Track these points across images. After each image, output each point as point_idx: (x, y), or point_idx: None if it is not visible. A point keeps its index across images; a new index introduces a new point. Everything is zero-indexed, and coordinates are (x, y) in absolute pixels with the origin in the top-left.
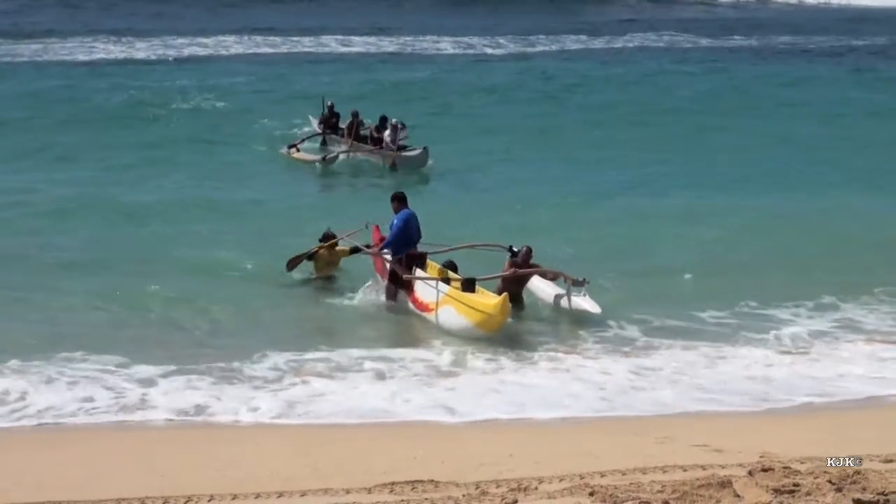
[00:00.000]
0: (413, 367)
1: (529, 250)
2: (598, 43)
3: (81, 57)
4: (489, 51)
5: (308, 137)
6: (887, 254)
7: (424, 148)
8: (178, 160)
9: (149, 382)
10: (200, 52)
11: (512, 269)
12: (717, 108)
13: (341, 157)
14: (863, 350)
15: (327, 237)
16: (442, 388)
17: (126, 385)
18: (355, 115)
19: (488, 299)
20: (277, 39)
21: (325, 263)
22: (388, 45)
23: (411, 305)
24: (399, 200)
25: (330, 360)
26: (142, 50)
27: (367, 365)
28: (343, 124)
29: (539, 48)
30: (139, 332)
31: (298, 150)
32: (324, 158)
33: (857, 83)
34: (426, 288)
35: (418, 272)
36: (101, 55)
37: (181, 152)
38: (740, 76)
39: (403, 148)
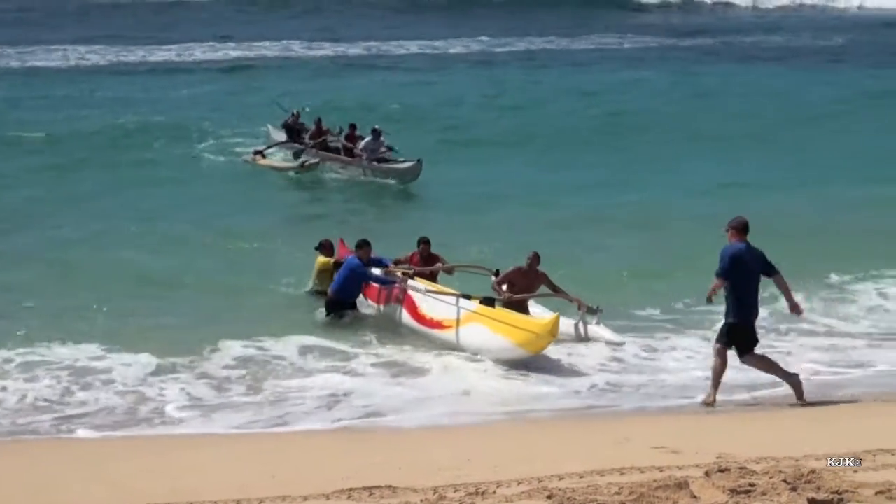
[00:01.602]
0: (372, 372)
1: (536, 256)
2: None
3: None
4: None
5: (275, 145)
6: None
7: (418, 160)
8: (120, 177)
9: (99, 386)
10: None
11: (515, 275)
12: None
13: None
14: (809, 345)
15: (323, 246)
16: (400, 394)
17: (75, 389)
18: (318, 122)
19: (536, 318)
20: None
21: (328, 277)
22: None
23: (412, 321)
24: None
25: (287, 366)
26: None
27: (327, 370)
28: (308, 135)
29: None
30: (87, 334)
31: (265, 157)
32: (302, 165)
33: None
34: (435, 303)
35: (422, 286)
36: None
37: (123, 169)
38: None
39: (385, 160)
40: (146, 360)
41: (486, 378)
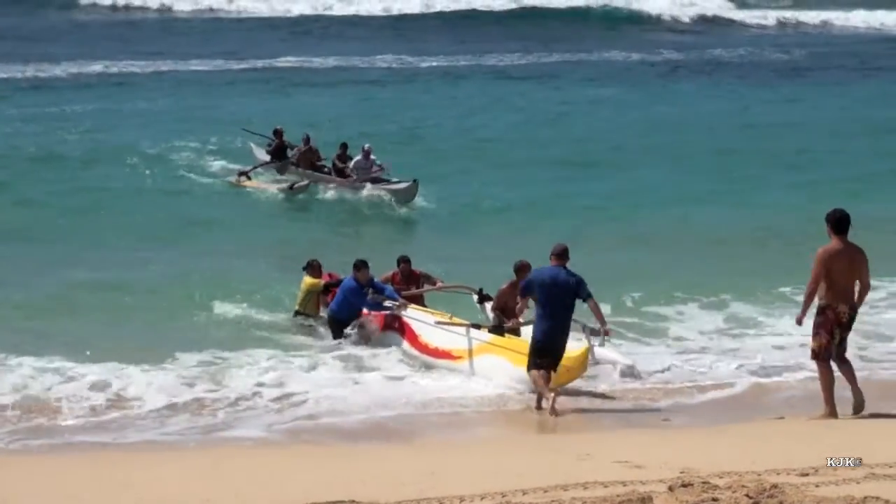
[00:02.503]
0: (337, 386)
1: (527, 265)
2: None
3: None
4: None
5: (260, 165)
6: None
7: (414, 181)
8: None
9: (61, 399)
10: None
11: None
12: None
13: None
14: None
15: (311, 266)
16: (366, 408)
17: (33, 404)
18: (307, 140)
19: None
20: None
21: (316, 303)
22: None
23: (413, 350)
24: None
25: (249, 380)
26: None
27: (289, 384)
28: (293, 154)
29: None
30: (47, 345)
31: (250, 178)
32: (291, 186)
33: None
34: (438, 333)
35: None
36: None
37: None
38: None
39: (378, 179)
40: (102, 372)
41: (451, 391)
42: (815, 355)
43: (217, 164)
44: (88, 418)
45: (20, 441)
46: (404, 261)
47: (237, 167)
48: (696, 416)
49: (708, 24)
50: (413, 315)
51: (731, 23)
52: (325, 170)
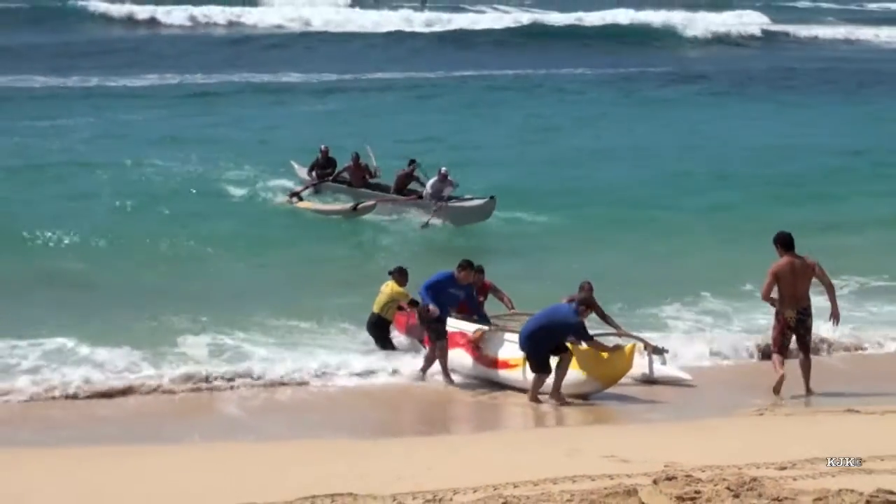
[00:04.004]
0: (339, 383)
1: (591, 287)
2: None
3: None
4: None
5: (310, 186)
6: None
7: (491, 197)
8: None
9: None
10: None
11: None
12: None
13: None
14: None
15: (400, 272)
16: (366, 405)
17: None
18: (356, 158)
19: (610, 349)
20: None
21: (395, 309)
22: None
23: (477, 365)
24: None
25: (258, 379)
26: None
27: (293, 383)
28: (340, 172)
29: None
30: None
31: (301, 199)
32: (355, 207)
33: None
34: (499, 344)
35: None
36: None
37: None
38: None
39: (450, 197)
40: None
41: (451, 393)
42: (771, 348)
43: (263, 184)
44: (101, 410)
45: (29, 435)
46: (479, 271)
47: (287, 186)
48: (679, 411)
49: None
50: (466, 327)
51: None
52: (382, 187)
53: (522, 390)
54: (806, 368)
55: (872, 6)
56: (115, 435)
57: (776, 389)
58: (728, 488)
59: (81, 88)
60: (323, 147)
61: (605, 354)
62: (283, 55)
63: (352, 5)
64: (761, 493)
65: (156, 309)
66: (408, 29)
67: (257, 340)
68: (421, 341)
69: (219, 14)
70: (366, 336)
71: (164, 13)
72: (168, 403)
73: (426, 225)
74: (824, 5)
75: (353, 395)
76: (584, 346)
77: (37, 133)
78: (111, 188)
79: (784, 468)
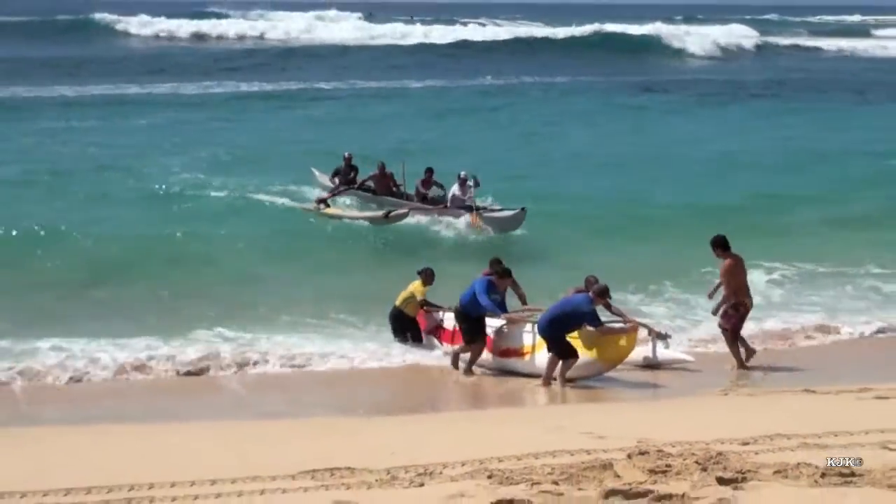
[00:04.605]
0: (343, 369)
1: (596, 280)
2: None
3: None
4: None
5: (337, 193)
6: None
7: (522, 209)
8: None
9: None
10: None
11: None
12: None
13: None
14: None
15: (426, 273)
16: (358, 387)
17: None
18: (382, 167)
19: (616, 332)
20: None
21: (416, 306)
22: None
23: (493, 356)
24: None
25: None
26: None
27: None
28: (366, 180)
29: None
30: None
31: (329, 206)
32: (387, 215)
33: None
34: (512, 334)
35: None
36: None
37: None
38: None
39: (476, 207)
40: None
41: (443, 375)
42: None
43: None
44: (113, 393)
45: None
46: (509, 275)
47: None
48: (652, 391)
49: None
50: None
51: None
52: (406, 196)
53: (532, 376)
54: (746, 345)
55: (829, 18)
56: (130, 414)
57: (744, 363)
58: (696, 462)
59: (101, 96)
60: (346, 154)
61: (610, 338)
62: (289, 64)
63: (364, 18)
64: (726, 467)
65: (176, 304)
66: (399, 42)
67: (268, 329)
68: (438, 339)
69: (232, 25)
70: (370, 326)
71: (175, 25)
72: (179, 385)
73: (388, 215)
74: (791, 18)
75: (350, 377)
76: (594, 330)
77: (58, 137)
78: (133, 191)
79: (747, 443)
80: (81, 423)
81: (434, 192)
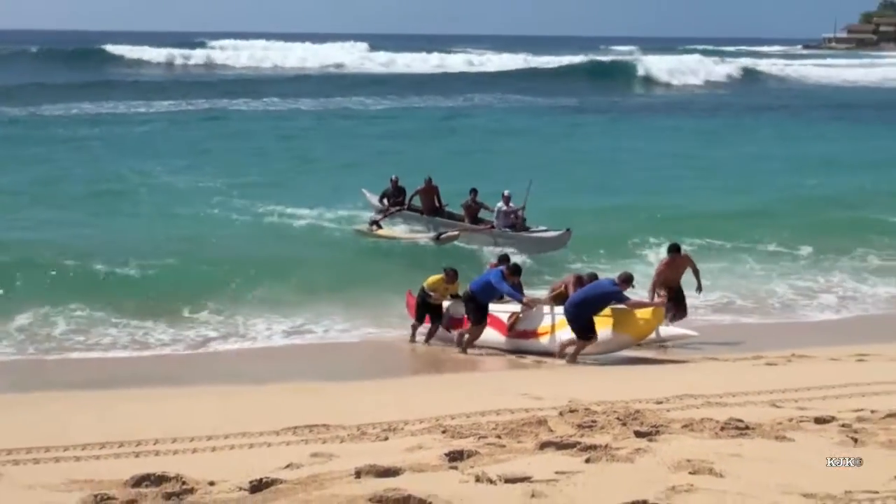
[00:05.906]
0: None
1: (579, 278)
2: None
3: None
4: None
5: (388, 214)
6: None
7: (567, 230)
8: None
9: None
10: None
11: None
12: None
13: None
14: None
15: (448, 273)
16: (334, 358)
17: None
18: (429, 180)
19: (645, 306)
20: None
21: (443, 292)
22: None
23: (506, 339)
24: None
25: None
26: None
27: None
28: (412, 196)
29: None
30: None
31: (381, 227)
32: (438, 236)
33: None
34: (529, 317)
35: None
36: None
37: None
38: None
39: (522, 227)
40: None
41: (408, 348)
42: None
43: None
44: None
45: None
46: (518, 272)
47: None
48: (581, 358)
49: None
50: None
51: None
52: (451, 215)
53: (546, 354)
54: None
55: (767, 48)
56: (140, 381)
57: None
58: (617, 418)
59: (110, 114)
60: (393, 177)
61: (639, 312)
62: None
63: (370, 50)
64: (643, 422)
65: (196, 299)
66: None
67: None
68: (448, 328)
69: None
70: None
71: (184, 55)
72: (185, 357)
73: (439, 237)
74: (729, 48)
75: (328, 349)
76: (623, 306)
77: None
78: (148, 203)
79: (660, 402)
80: (97, 389)
81: (481, 212)
